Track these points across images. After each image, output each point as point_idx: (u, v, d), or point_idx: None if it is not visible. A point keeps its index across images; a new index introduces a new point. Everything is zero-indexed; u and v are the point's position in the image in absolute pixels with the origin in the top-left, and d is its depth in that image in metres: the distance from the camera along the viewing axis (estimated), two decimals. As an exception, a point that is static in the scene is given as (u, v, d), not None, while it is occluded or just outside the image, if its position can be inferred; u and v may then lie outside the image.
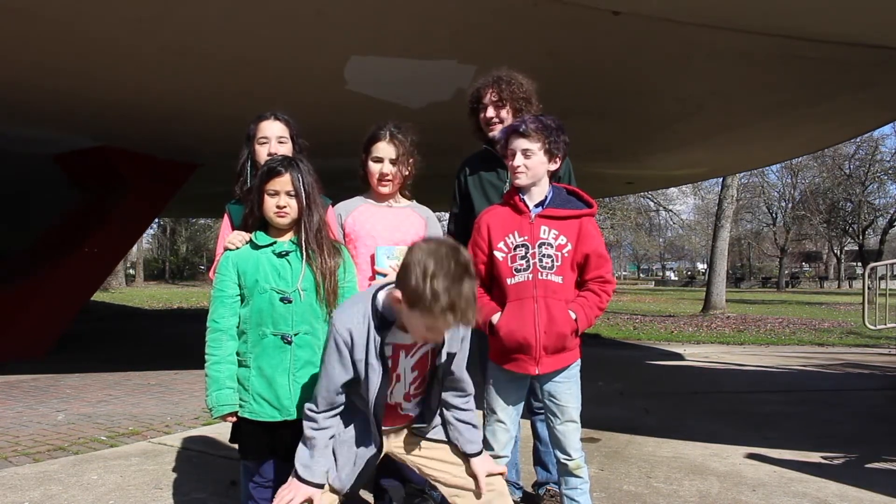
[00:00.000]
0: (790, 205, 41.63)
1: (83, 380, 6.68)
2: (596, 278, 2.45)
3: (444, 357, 2.00)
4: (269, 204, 2.28)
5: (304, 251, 2.28)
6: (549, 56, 5.16)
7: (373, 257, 2.59)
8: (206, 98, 6.22)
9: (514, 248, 2.42)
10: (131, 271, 39.42)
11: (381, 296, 1.96)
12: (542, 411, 3.07)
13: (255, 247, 2.31)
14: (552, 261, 2.39)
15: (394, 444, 2.16)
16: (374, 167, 2.65)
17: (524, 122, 2.44)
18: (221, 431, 4.33)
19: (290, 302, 2.24)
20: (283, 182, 2.27)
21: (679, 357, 9.17)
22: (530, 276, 2.39)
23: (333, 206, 2.73)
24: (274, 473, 2.37)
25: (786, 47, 4.99)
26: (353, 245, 2.62)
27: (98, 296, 18.91)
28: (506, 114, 2.94)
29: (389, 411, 2.07)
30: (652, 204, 37.05)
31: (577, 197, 2.50)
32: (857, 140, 34.18)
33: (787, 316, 17.48)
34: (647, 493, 3.38)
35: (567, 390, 2.47)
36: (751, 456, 4.03)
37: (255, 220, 2.33)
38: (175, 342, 10.43)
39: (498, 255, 2.44)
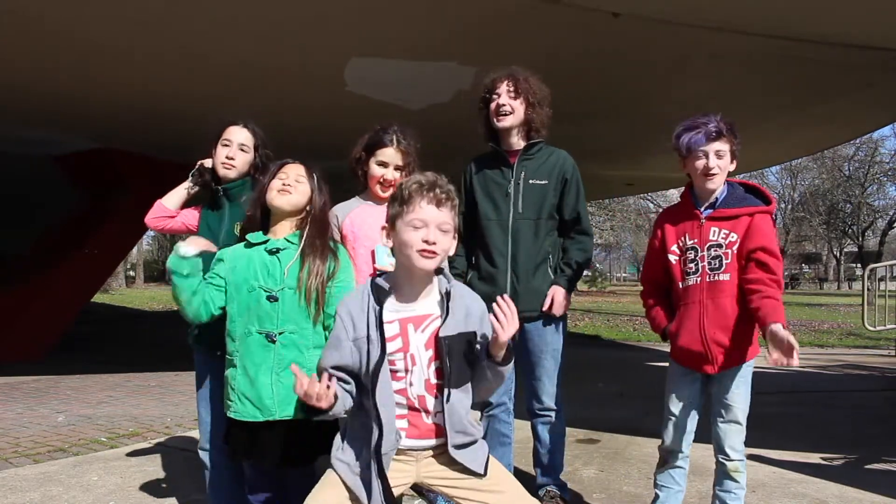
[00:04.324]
0: (790, 206, 41.60)
1: (83, 381, 6.69)
2: (767, 275, 2.37)
3: (449, 328, 1.85)
4: (276, 184, 2.27)
5: (301, 240, 2.26)
6: (549, 58, 5.16)
7: (373, 255, 2.59)
8: (207, 99, 6.22)
9: (685, 251, 2.46)
10: (131, 273, 39.41)
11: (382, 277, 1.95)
12: (545, 413, 3.09)
13: (249, 245, 2.30)
14: (721, 260, 2.41)
15: (423, 472, 1.90)
16: (378, 171, 2.64)
17: (718, 123, 2.39)
18: (222, 433, 4.34)
19: (276, 300, 2.21)
20: (295, 167, 2.31)
21: (679, 358, 9.15)
22: (699, 279, 2.43)
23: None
24: (256, 478, 2.36)
25: (785, 49, 5.00)
26: (352, 246, 2.62)
27: (98, 297, 18.91)
28: (519, 104, 2.94)
29: (414, 416, 1.87)
30: (651, 205, 37.07)
31: (756, 194, 2.47)
32: (857, 142, 34.19)
33: (787, 317, 17.45)
34: (647, 494, 3.37)
35: (736, 389, 2.48)
36: (750, 457, 4.01)
37: (256, 215, 2.32)
38: (175, 344, 10.40)
39: (671, 258, 2.49)
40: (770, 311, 2.31)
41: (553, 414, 3.09)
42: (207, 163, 2.79)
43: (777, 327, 2.26)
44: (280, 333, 2.21)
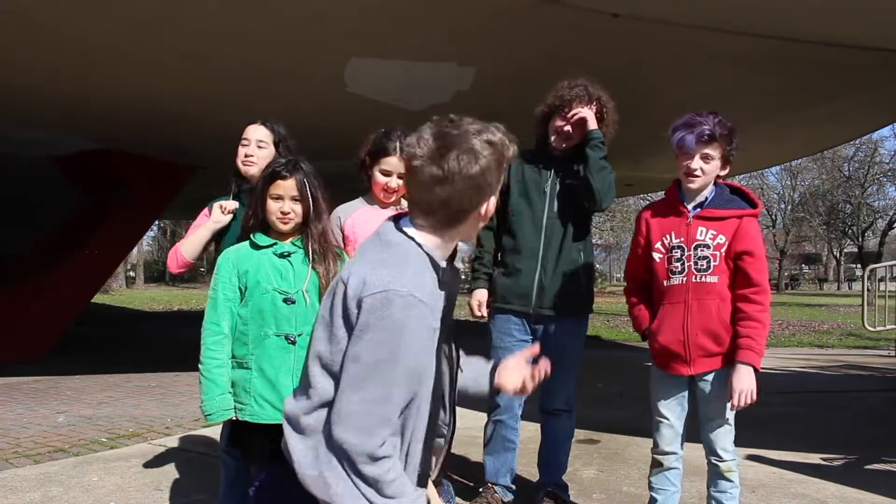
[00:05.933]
0: (789, 207, 41.58)
1: (83, 382, 6.68)
2: (749, 288, 2.37)
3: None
4: (273, 208, 2.25)
5: (309, 255, 2.26)
6: (548, 58, 5.16)
7: None
8: (207, 100, 6.23)
9: (671, 250, 2.44)
10: (131, 273, 39.37)
11: (423, 240, 1.48)
12: (558, 413, 3.09)
13: (256, 247, 2.29)
14: (708, 262, 2.39)
15: None
16: (382, 179, 2.64)
17: (713, 126, 2.38)
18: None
19: (293, 303, 2.22)
20: (288, 186, 2.24)
21: (679, 359, 9.14)
22: (684, 279, 2.41)
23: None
24: (276, 478, 2.36)
25: (785, 50, 5.01)
26: (352, 247, 2.63)
27: (98, 298, 18.90)
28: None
29: None
30: (651, 206, 37.04)
31: (741, 196, 2.47)
32: (857, 142, 34.15)
33: (787, 318, 17.46)
34: (647, 495, 3.37)
35: (721, 391, 2.46)
36: (750, 457, 4.03)
37: (256, 223, 2.30)
38: (175, 344, 10.42)
39: (655, 255, 2.47)
40: (744, 346, 2.34)
41: (565, 414, 3.09)
42: (228, 204, 2.84)
43: (740, 373, 2.34)
44: (299, 335, 2.22)
